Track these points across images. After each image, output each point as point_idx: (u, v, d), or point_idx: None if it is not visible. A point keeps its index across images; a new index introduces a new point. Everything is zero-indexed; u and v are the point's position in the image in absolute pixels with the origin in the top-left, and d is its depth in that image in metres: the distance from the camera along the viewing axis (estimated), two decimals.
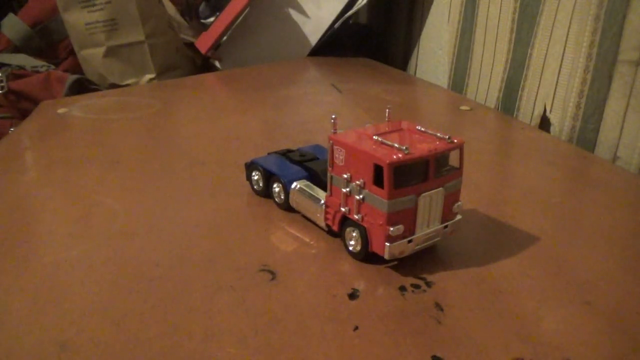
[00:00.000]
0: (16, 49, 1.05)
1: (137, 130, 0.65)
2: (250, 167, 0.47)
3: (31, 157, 0.58)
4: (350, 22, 1.19)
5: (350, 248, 0.37)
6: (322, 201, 0.39)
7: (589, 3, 0.60)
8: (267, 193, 0.46)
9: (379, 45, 1.19)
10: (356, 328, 0.31)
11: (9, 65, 0.94)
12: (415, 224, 0.35)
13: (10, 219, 0.44)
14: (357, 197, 0.35)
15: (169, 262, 0.37)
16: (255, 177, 0.46)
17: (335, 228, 0.38)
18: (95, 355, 0.28)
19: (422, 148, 0.34)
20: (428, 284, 0.35)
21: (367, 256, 0.36)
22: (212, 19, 1.45)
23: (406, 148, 0.33)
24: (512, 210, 0.45)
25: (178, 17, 1.24)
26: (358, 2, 0.99)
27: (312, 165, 0.44)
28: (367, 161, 0.34)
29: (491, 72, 0.80)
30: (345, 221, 0.37)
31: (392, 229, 0.34)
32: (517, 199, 0.47)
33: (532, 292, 0.34)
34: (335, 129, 0.38)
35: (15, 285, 0.35)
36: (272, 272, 0.36)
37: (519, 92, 0.73)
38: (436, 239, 0.37)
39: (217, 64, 1.14)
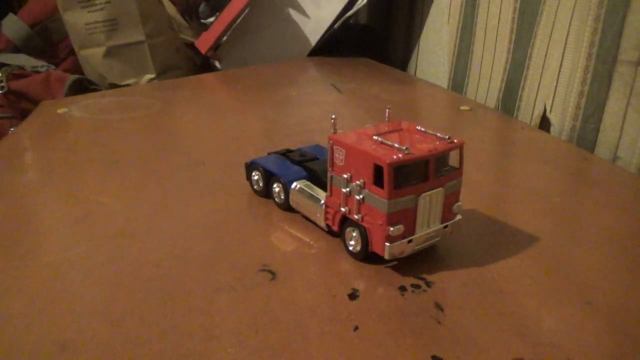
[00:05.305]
0: (16, 49, 1.05)
1: (137, 130, 0.65)
2: (250, 167, 0.47)
3: (31, 157, 0.58)
4: (350, 22, 1.19)
5: (350, 248, 0.37)
6: (322, 201, 0.39)
7: (589, 3, 0.60)
8: (267, 193, 0.46)
9: (379, 45, 1.19)
10: (356, 328, 0.31)
11: (9, 65, 0.94)
12: (415, 224, 0.35)
13: (10, 219, 0.44)
14: (357, 197, 0.35)
15: (169, 262, 0.37)
16: (255, 177, 0.46)
17: (335, 228, 0.38)
18: (95, 355, 0.28)
19: (422, 148, 0.34)
20: (428, 284, 0.35)
21: (367, 256, 0.36)
22: (212, 19, 1.45)
23: (406, 148, 0.33)
24: (512, 210, 0.45)
25: (178, 17, 1.24)
26: (358, 2, 0.99)
27: (312, 165, 0.44)
28: (367, 161, 0.34)
29: (491, 72, 0.80)
30: (345, 221, 0.37)
31: (392, 229, 0.34)
32: (517, 198, 0.47)
33: (532, 292, 0.34)
34: (335, 129, 0.38)
35: (15, 285, 0.35)
36: (272, 272, 0.36)
37: (519, 92, 0.73)
38: (436, 239, 0.37)
39: (217, 64, 1.14)
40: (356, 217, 0.36)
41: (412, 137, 0.37)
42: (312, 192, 0.40)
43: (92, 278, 0.35)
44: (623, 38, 0.56)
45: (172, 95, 0.81)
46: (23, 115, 0.84)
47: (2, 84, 0.88)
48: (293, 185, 0.42)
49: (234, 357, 0.28)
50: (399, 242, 0.34)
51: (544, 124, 0.69)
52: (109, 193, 0.48)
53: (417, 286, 0.34)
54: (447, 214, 0.37)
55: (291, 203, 0.43)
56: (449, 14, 0.90)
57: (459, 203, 0.37)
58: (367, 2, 0.97)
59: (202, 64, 1.17)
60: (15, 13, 1.07)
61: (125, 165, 0.54)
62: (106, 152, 0.58)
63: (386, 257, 0.35)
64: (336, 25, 1.02)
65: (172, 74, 1.03)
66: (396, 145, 0.34)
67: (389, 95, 0.80)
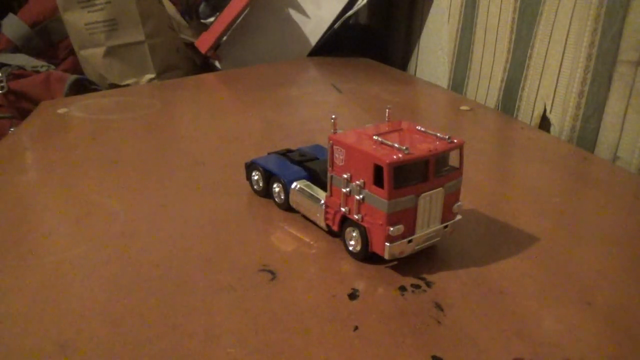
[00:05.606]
0: (16, 49, 1.05)
1: (137, 130, 0.65)
2: (250, 167, 0.47)
3: (31, 157, 0.58)
4: (350, 22, 1.19)
5: (350, 248, 0.37)
6: (322, 201, 0.39)
7: (589, 3, 0.60)
8: (267, 193, 0.46)
9: (379, 45, 1.19)
10: (356, 328, 0.31)
11: (9, 65, 0.94)
12: (415, 224, 0.35)
13: (10, 219, 0.44)
14: (357, 197, 0.35)
15: (169, 262, 0.37)
16: (255, 177, 0.46)
17: (335, 228, 0.38)
18: (95, 355, 0.28)
19: (422, 148, 0.34)
20: (428, 284, 0.35)
21: (367, 256, 0.36)
22: (212, 19, 1.45)
23: (406, 148, 0.33)
24: (512, 210, 0.45)
25: (178, 17, 1.24)
26: (358, 2, 0.99)
27: (312, 165, 0.44)
28: (367, 161, 0.34)
29: (491, 72, 0.80)
30: (345, 221, 0.37)
31: (392, 229, 0.34)
32: (517, 199, 0.47)
33: (532, 292, 0.34)
34: (335, 129, 0.38)
35: (15, 285, 0.35)
36: (272, 272, 0.36)
37: (519, 92, 0.73)
38: (436, 239, 0.37)
39: (217, 64, 1.14)
40: (356, 217, 0.36)
41: (412, 137, 0.37)
42: (312, 192, 0.40)
43: (92, 278, 0.35)
44: (623, 38, 0.56)
45: (172, 95, 0.81)
46: (23, 115, 0.84)
47: (2, 84, 0.88)
48: (293, 185, 0.42)
49: (234, 357, 0.28)
50: (399, 242, 0.34)
51: (544, 124, 0.69)
52: (109, 193, 0.48)
53: (417, 286, 0.34)
54: (447, 214, 0.37)
55: (291, 203, 0.43)
56: (449, 14, 0.90)
57: (459, 203, 0.37)
58: (367, 2, 0.97)
59: (202, 64, 1.17)
60: (15, 13, 1.07)
61: (125, 165, 0.54)
62: (106, 152, 0.58)
63: (386, 257, 0.35)
64: (336, 25, 1.02)
65: (172, 74, 1.03)
66: (396, 145, 0.34)
67: (389, 95, 0.80)
